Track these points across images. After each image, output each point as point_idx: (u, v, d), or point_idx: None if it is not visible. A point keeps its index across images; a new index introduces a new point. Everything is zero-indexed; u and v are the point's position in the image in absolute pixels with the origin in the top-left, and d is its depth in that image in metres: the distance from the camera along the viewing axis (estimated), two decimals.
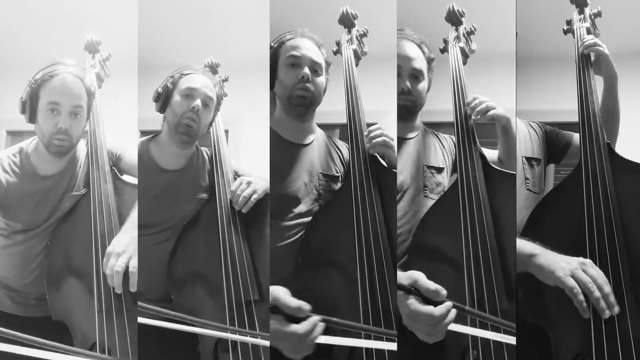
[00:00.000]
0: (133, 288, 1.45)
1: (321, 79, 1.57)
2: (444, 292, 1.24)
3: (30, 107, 1.52)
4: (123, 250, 1.44)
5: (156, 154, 1.60)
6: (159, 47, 1.68)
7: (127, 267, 1.43)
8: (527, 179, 1.53)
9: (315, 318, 1.21)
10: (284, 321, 1.20)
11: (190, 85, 1.57)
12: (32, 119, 1.54)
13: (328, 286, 1.42)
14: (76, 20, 1.73)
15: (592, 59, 1.51)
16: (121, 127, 1.64)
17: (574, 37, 1.55)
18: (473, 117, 1.48)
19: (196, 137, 1.60)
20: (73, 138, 1.54)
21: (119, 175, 1.59)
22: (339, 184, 1.56)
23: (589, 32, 1.54)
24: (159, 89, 1.58)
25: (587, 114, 1.45)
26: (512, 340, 1.35)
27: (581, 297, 1.29)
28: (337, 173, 1.58)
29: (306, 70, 1.53)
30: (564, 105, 1.57)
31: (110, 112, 1.62)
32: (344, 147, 1.61)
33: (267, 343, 1.41)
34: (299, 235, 1.49)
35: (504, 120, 1.49)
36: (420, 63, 1.55)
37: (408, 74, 1.54)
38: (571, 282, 1.30)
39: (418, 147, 1.57)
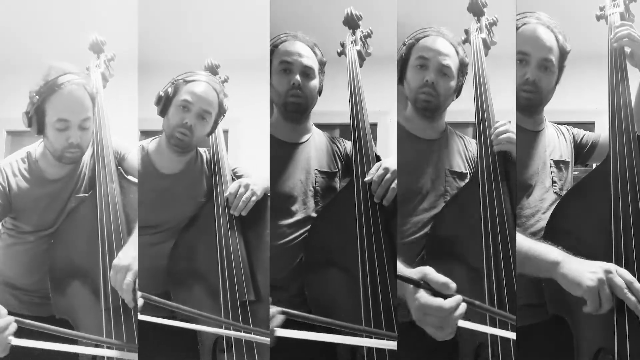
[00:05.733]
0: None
1: (314, 82, 1.55)
2: (453, 285, 1.21)
3: (37, 122, 1.50)
4: (129, 263, 1.42)
5: (155, 159, 1.59)
6: (160, 46, 1.67)
7: (134, 283, 1.41)
8: (555, 182, 1.50)
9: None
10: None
11: (187, 97, 1.53)
12: (40, 131, 1.52)
13: None
14: (77, 20, 1.74)
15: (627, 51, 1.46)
16: (122, 127, 1.64)
17: (606, 24, 1.50)
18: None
19: (188, 149, 1.57)
20: (84, 148, 1.54)
21: (125, 175, 1.58)
22: (337, 180, 1.55)
23: (622, 17, 1.49)
24: (161, 93, 1.55)
25: (617, 103, 1.40)
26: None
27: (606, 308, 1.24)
28: (335, 169, 1.56)
29: (297, 77, 1.52)
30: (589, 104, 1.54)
31: (111, 112, 1.61)
32: (347, 143, 1.58)
33: (267, 340, 1.39)
34: (297, 233, 1.49)
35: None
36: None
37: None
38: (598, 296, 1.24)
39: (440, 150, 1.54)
